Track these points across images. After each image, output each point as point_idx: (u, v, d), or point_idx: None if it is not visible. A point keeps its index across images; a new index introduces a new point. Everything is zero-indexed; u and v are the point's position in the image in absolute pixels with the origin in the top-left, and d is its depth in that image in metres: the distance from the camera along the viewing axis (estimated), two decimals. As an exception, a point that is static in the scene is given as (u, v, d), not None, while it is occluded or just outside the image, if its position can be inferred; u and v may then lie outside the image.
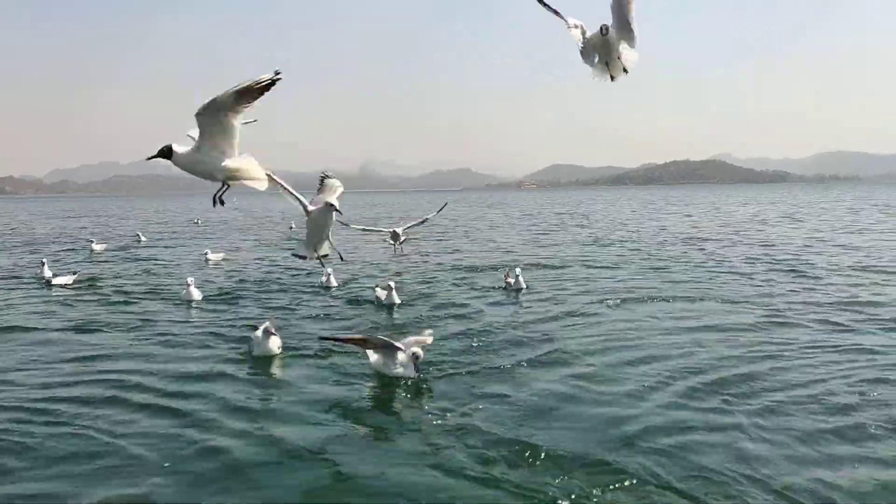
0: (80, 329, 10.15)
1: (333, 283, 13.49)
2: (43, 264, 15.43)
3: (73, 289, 14.21)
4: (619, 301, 11.56)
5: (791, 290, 12.56)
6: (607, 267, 16.58)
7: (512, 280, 12.72)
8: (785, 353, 7.98)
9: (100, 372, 7.70)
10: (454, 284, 13.89)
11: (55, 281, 14.55)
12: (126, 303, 12.46)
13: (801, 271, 15.17)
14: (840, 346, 8.34)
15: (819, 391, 6.58)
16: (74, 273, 15.32)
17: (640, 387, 6.77)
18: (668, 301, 11.62)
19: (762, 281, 13.90)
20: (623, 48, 4.97)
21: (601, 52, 4.98)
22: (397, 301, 11.31)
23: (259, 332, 8.16)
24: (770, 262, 16.92)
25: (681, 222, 36.45)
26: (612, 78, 5.11)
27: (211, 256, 19.34)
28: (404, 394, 6.76)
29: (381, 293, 11.50)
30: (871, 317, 10.04)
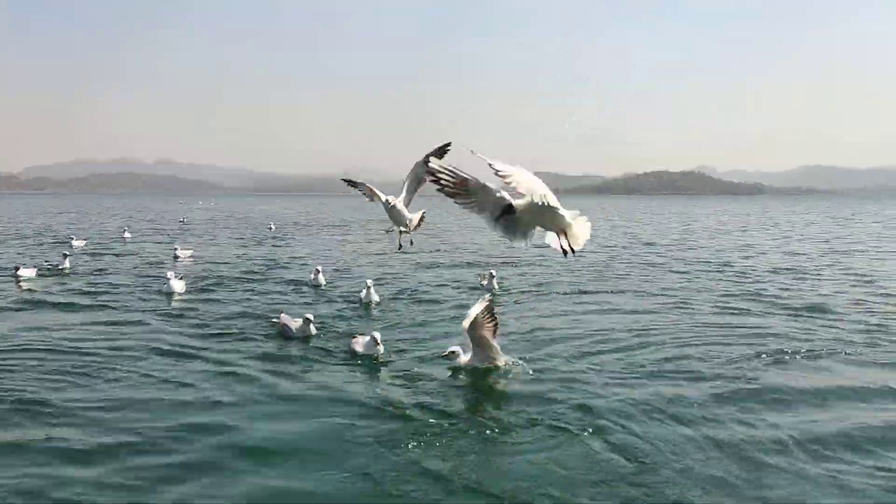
0: (60, 319, 10.64)
1: (322, 281, 14.18)
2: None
3: (54, 281, 14.66)
4: (573, 294, 13.23)
5: (714, 284, 14.36)
6: (568, 269, 18.11)
7: (485, 282, 13.75)
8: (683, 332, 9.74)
9: (81, 364, 8.00)
10: (430, 284, 14.78)
11: (21, 274, 14.84)
12: (104, 296, 12.82)
13: (732, 271, 17.00)
14: (732, 325, 10.26)
15: (704, 360, 8.19)
16: (36, 267, 15.85)
17: (571, 366, 7.91)
18: (611, 293, 13.31)
19: (689, 277, 15.79)
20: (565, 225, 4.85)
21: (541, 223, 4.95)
22: (376, 299, 12.08)
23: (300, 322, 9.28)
24: (706, 264, 18.76)
25: (646, 228, 38.29)
26: (565, 253, 5.12)
27: (180, 253, 20.11)
28: (370, 383, 7.35)
29: (363, 293, 12.20)
30: (772, 306, 11.81)
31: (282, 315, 9.68)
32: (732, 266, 18.21)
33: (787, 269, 17.66)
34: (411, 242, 7.95)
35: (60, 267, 16.37)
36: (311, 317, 9.41)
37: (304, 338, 9.24)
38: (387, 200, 7.35)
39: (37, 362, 8.00)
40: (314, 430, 5.96)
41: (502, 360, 7.72)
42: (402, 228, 7.62)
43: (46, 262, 17.67)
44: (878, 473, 5.08)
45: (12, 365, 7.88)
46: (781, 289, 13.93)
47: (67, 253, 17.65)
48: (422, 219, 7.70)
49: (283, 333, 9.41)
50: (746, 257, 20.93)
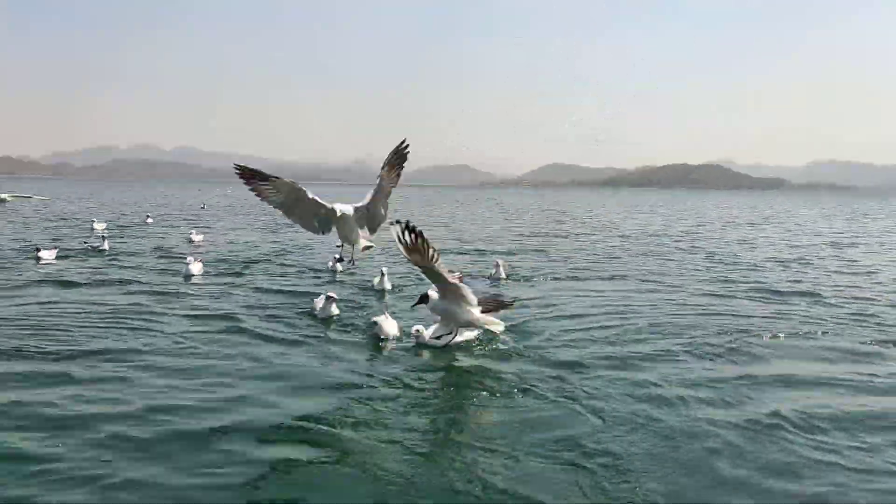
0: (89, 297, 10.89)
1: (339, 268, 14.34)
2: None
3: (78, 262, 15.10)
4: (571, 280, 13.81)
5: (709, 271, 14.87)
6: (567, 257, 18.72)
7: (493, 270, 13.94)
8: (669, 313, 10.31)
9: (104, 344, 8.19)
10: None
11: (42, 255, 15.12)
12: (125, 273, 13.31)
13: (725, 262, 17.48)
14: (713, 305, 10.87)
15: (685, 337, 8.71)
16: (57, 248, 16.27)
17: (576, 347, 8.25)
18: (610, 280, 13.97)
19: (686, 265, 16.34)
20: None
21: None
22: (388, 287, 12.16)
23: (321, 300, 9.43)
24: (702, 255, 19.23)
25: (653, 220, 38.68)
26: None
27: (194, 238, 20.74)
28: (378, 363, 7.55)
29: (375, 279, 12.34)
30: (764, 292, 12.38)
31: (315, 301, 9.70)
32: (736, 256, 18.72)
33: (789, 259, 18.11)
34: (352, 262, 7.29)
35: (100, 248, 17.14)
36: (333, 294, 9.39)
37: (326, 318, 9.25)
38: (333, 209, 6.55)
39: (63, 324, 8.76)
40: (319, 405, 6.18)
41: (462, 336, 7.76)
42: (347, 245, 6.92)
43: (85, 243, 18.68)
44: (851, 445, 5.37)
45: (48, 323, 8.77)
46: (778, 277, 14.44)
47: (105, 235, 18.56)
48: (368, 248, 7.15)
49: (309, 313, 9.60)
50: (752, 248, 21.40)
